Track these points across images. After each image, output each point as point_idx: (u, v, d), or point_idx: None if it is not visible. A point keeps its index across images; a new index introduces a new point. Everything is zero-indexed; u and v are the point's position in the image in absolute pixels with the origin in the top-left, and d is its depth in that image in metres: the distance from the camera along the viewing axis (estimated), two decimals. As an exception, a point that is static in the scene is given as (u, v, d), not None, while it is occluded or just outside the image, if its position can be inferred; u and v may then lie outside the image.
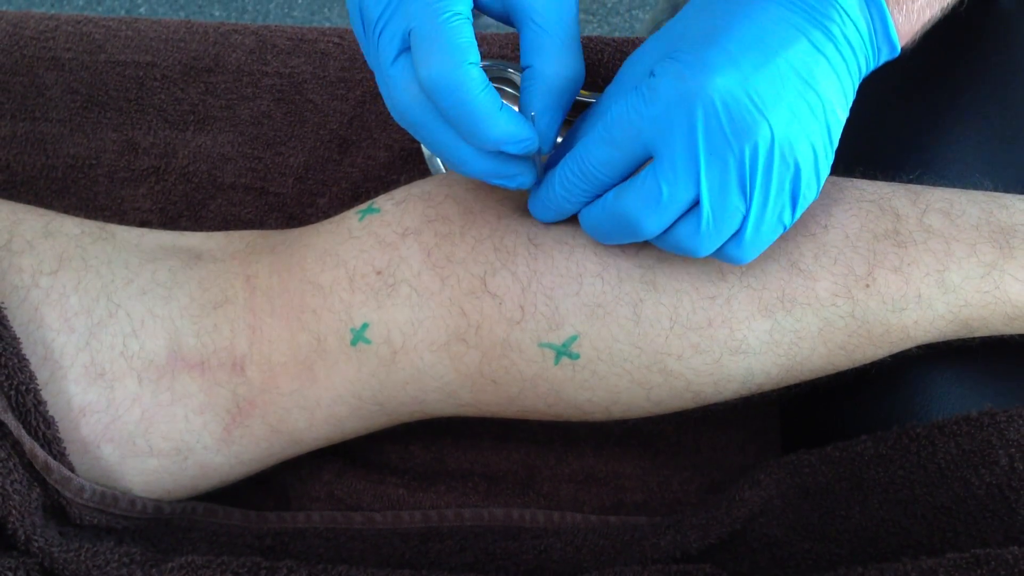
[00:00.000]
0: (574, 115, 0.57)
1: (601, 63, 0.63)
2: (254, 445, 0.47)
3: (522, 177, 0.42)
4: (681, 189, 0.38)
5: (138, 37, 0.63)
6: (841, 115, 0.39)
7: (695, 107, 0.37)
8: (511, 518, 0.52)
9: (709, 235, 0.39)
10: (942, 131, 0.51)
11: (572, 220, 0.44)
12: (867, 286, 0.43)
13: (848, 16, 0.38)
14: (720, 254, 0.41)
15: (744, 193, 0.38)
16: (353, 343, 0.45)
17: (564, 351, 0.43)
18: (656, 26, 1.02)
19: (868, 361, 0.46)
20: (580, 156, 0.41)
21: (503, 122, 0.39)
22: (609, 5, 1.56)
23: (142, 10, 1.55)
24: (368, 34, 0.41)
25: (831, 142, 0.39)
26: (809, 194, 0.39)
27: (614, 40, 0.64)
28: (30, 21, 0.63)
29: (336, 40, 0.63)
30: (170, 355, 0.45)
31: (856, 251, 0.44)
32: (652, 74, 0.38)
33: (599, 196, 0.41)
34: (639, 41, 0.64)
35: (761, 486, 0.48)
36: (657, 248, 0.43)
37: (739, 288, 0.43)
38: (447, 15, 0.38)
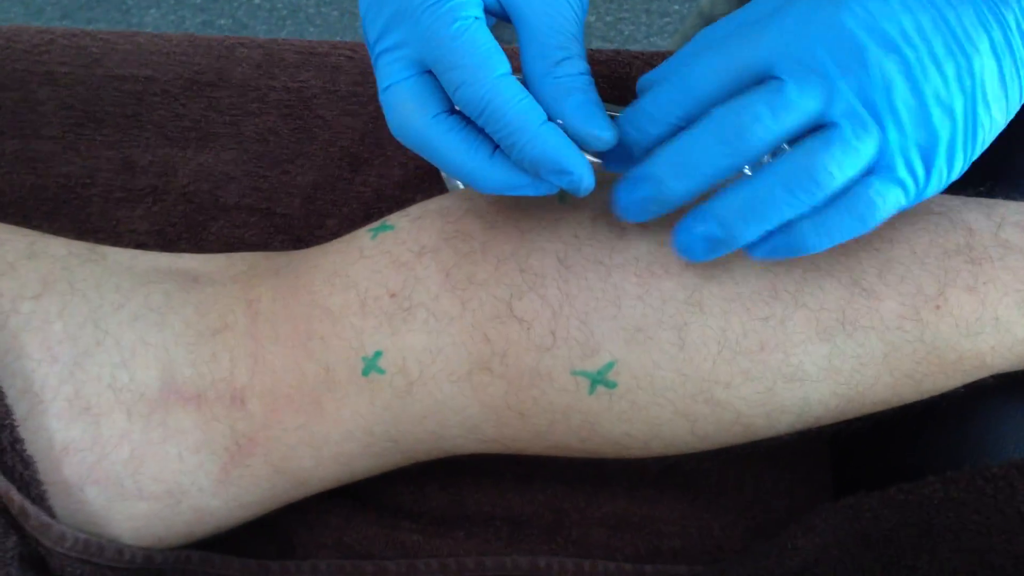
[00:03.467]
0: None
1: (629, 77, 0.59)
2: (255, 486, 0.43)
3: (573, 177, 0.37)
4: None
5: (137, 51, 0.59)
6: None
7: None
8: (537, 567, 0.48)
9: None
10: (1015, 139, 0.47)
11: (606, 238, 0.40)
12: (938, 307, 0.39)
13: None
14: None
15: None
16: (365, 373, 0.41)
17: (600, 379, 0.39)
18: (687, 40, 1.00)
19: (938, 392, 0.41)
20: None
21: (541, 143, 0.36)
22: (626, 33, 1.54)
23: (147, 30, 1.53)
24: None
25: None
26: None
27: (643, 54, 0.61)
28: (24, 35, 0.60)
29: (348, 54, 0.60)
30: (163, 387, 0.41)
31: (924, 268, 0.40)
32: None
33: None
34: (667, 55, 0.61)
35: (816, 532, 0.43)
36: (702, 267, 0.39)
37: (794, 308, 0.39)
38: (459, 24, 0.36)
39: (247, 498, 0.43)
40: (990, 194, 0.43)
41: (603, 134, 0.37)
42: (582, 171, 0.36)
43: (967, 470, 0.41)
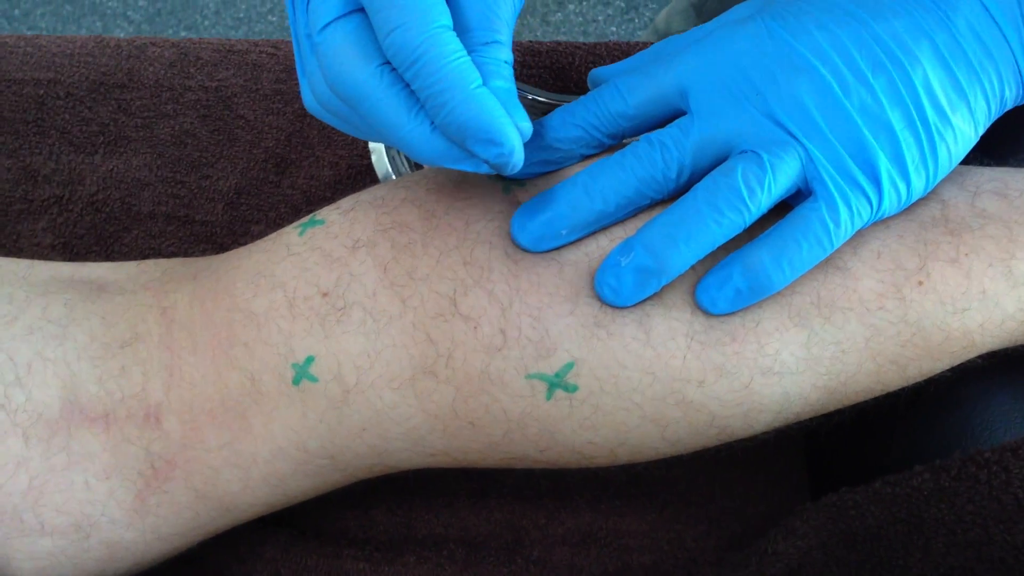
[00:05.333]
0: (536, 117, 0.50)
1: (572, 67, 0.56)
2: (175, 515, 0.39)
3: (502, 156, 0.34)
4: None
5: (39, 53, 0.55)
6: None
7: None
8: (496, 592, 0.44)
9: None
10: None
11: None
12: (920, 283, 0.36)
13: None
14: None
15: None
16: (295, 382, 0.37)
17: (558, 382, 0.36)
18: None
19: (924, 377, 0.38)
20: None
21: (475, 106, 0.32)
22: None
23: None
24: (297, 5, 0.35)
25: None
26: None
27: (585, 44, 0.58)
28: (-89, 39, 0.55)
29: (270, 51, 0.56)
30: (65, 406, 0.37)
31: (902, 242, 0.37)
32: None
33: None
34: (611, 45, 0.58)
35: (797, 535, 0.40)
36: None
37: None
38: None
39: (166, 529, 0.39)
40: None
41: (522, 123, 0.34)
42: (514, 144, 0.33)
43: (957, 457, 0.39)
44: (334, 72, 0.33)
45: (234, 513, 0.40)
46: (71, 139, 0.54)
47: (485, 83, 0.33)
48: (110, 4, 1.62)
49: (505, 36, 0.35)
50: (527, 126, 0.34)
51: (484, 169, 0.34)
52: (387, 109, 0.33)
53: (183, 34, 1.60)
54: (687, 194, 0.35)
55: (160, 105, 0.54)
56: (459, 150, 0.34)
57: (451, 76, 0.32)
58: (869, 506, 0.39)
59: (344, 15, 0.33)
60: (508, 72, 0.35)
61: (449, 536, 0.48)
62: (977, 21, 0.35)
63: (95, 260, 0.52)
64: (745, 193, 0.34)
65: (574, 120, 0.38)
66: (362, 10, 0.33)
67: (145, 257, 0.52)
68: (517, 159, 0.33)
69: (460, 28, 0.34)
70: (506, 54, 0.35)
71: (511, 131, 0.33)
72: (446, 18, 0.32)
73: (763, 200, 0.34)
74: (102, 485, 0.37)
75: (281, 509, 0.42)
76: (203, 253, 0.52)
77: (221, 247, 0.53)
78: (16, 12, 1.62)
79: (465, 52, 0.32)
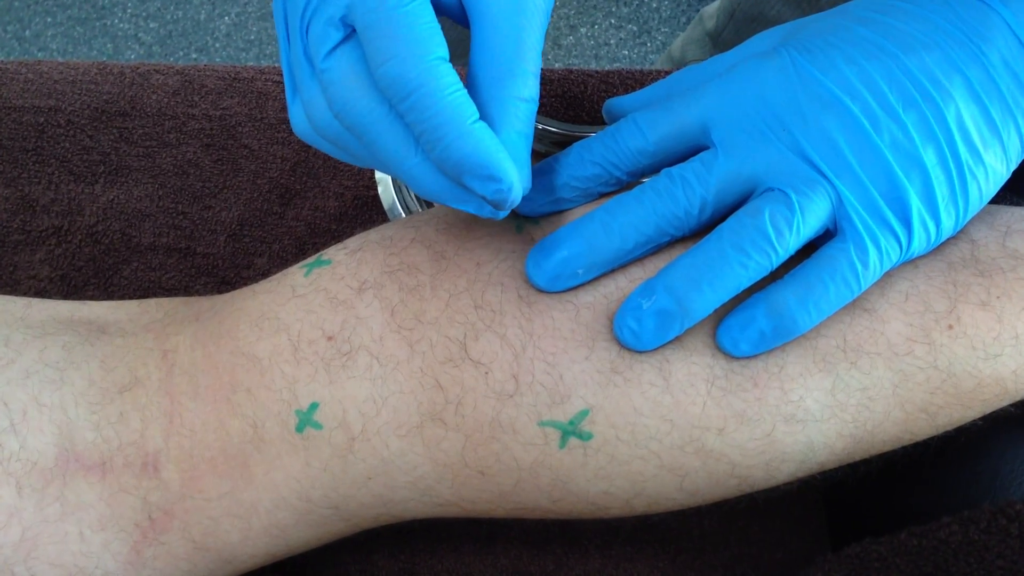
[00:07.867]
0: (548, 148, 0.49)
1: (584, 95, 0.55)
2: (172, 568, 0.37)
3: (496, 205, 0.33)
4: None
5: (40, 80, 0.54)
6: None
7: None
8: (503, 642, 0.42)
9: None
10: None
11: None
12: (950, 327, 0.35)
13: None
14: None
15: None
16: (299, 429, 0.36)
17: (572, 430, 0.34)
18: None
19: (954, 426, 0.37)
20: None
21: (472, 142, 0.31)
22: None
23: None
24: (292, 28, 0.33)
25: None
26: None
27: (598, 72, 0.57)
28: (-90, 65, 0.54)
29: (276, 79, 0.55)
30: (61, 454, 0.36)
31: (931, 283, 0.35)
32: None
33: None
34: (624, 73, 0.57)
35: None
36: None
37: None
38: None
39: (163, 582, 0.37)
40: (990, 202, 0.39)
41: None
42: (512, 180, 0.31)
43: (986, 508, 0.37)
44: (340, 100, 0.32)
45: (233, 564, 0.38)
46: (71, 168, 0.53)
47: (500, 130, 0.32)
48: (121, 26, 1.61)
49: (533, 64, 0.33)
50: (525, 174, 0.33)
51: (487, 210, 0.33)
52: (391, 141, 0.32)
53: (194, 56, 1.60)
54: (711, 235, 0.34)
55: (163, 134, 0.53)
56: (460, 188, 0.33)
57: (447, 111, 0.30)
58: (894, 558, 0.38)
59: (346, 39, 0.32)
60: (527, 112, 0.33)
61: (455, 583, 0.46)
62: (1011, 55, 0.34)
63: (93, 292, 0.51)
64: (772, 235, 0.33)
65: (592, 157, 0.37)
66: None
67: (145, 290, 0.51)
68: (516, 195, 0.32)
69: (486, 57, 0.33)
70: (531, 88, 0.33)
71: (509, 166, 0.31)
72: (443, 50, 0.31)
73: (791, 242, 0.33)
74: (97, 536, 0.36)
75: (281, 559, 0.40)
76: (204, 287, 0.51)
77: (223, 280, 0.51)
78: (27, 33, 1.61)
79: (461, 86, 0.31)
